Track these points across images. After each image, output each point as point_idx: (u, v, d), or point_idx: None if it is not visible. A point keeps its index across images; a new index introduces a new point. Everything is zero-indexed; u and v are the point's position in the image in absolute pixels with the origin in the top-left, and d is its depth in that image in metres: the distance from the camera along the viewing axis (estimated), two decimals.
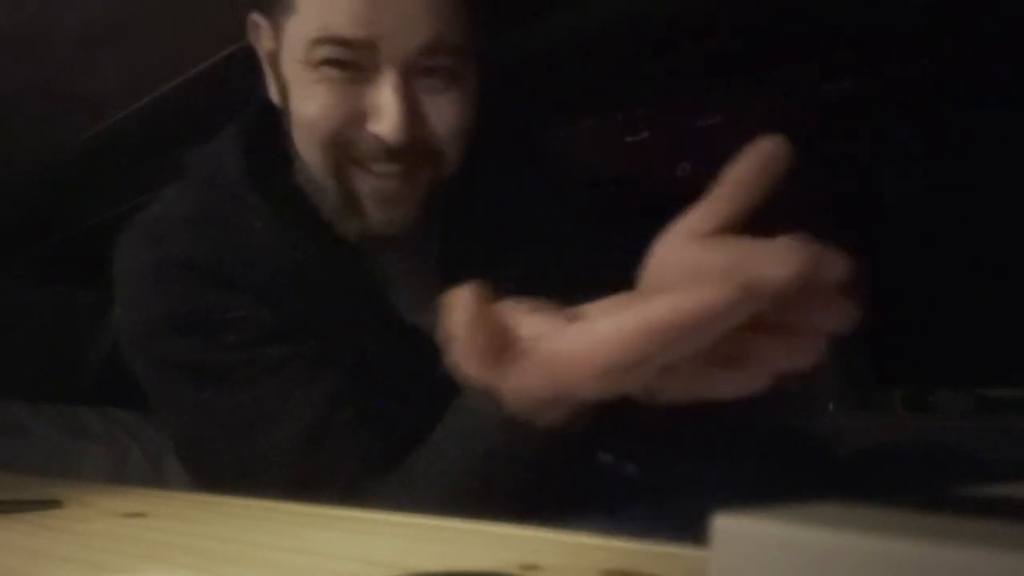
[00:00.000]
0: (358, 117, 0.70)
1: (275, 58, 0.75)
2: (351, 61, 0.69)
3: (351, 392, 0.72)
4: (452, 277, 0.69)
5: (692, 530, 0.28)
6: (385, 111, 0.69)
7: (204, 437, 0.75)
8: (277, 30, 0.74)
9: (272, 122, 0.79)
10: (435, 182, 0.74)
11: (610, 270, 0.59)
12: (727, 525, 0.21)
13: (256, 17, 0.77)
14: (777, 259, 0.44)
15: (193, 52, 1.23)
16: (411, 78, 0.70)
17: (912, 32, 1.29)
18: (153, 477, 1.82)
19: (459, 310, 0.48)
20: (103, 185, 1.76)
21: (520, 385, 0.50)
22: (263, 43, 0.77)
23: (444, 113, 0.72)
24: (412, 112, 0.70)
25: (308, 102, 0.71)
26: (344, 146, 0.72)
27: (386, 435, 0.70)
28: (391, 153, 0.70)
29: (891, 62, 1.37)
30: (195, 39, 1.19)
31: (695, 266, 0.46)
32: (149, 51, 1.22)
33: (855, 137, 1.51)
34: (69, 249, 2.06)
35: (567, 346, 0.45)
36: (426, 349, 0.71)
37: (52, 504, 0.62)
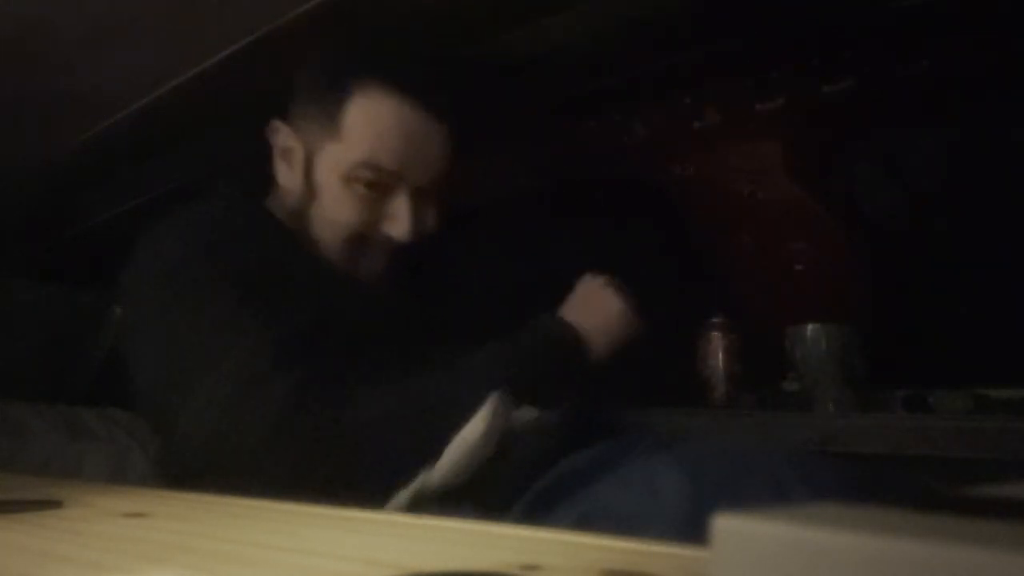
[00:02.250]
0: (376, 221, 1.00)
1: (309, 163, 1.01)
2: (380, 183, 0.98)
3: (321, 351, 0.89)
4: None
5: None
6: (400, 219, 0.99)
7: (203, 387, 0.86)
8: (312, 143, 1.01)
9: (267, 194, 1.08)
10: (407, 256, 1.04)
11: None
12: (727, 525, 0.21)
13: (281, 126, 1.05)
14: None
15: (193, 52, 1.23)
16: (415, 196, 1.00)
17: (912, 32, 1.29)
18: (153, 478, 1.82)
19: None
20: (103, 185, 1.76)
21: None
22: (282, 141, 1.05)
23: (428, 220, 1.03)
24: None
25: (341, 208, 0.99)
26: (359, 237, 1.00)
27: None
28: (393, 244, 1.00)
29: (891, 62, 1.37)
30: (196, 39, 1.19)
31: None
32: (150, 50, 1.22)
33: (855, 137, 1.51)
34: (69, 249, 2.06)
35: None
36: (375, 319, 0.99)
37: (52, 504, 0.62)
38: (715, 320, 1.60)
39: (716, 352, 1.60)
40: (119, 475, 1.75)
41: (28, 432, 1.79)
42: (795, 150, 1.54)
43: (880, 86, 1.42)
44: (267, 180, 1.09)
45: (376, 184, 0.98)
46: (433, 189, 1.02)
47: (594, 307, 1.03)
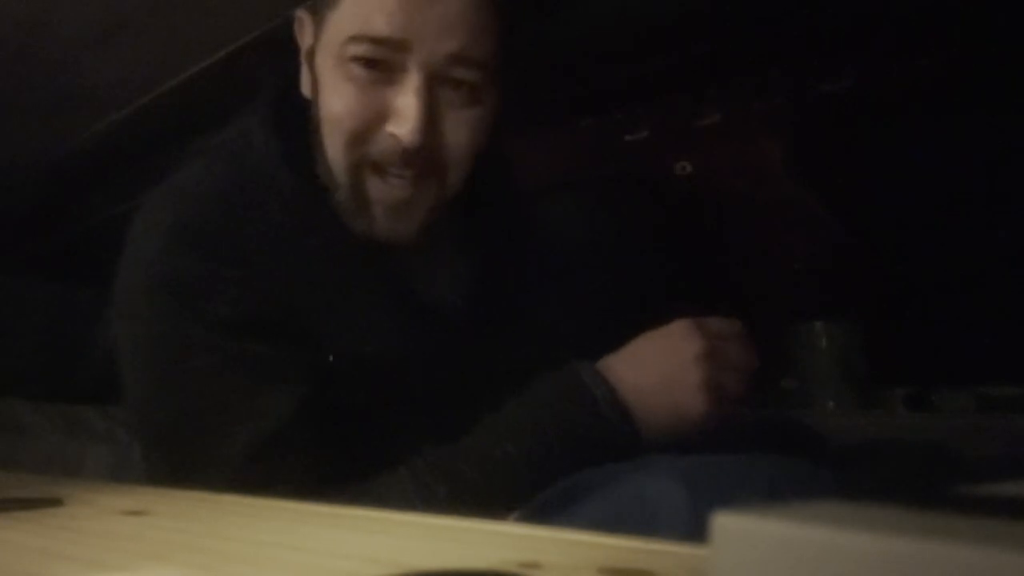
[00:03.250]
0: (380, 117, 0.72)
1: (311, 53, 0.77)
2: (381, 60, 0.71)
3: (318, 403, 0.72)
4: (451, 292, 0.81)
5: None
6: (406, 113, 0.71)
7: (163, 421, 0.74)
8: (318, 25, 0.76)
9: (297, 110, 0.80)
10: (440, 197, 0.77)
11: (596, 304, 0.72)
12: (727, 523, 0.21)
13: (302, 13, 0.79)
14: None
15: (194, 50, 1.23)
16: (435, 86, 0.72)
17: (912, 32, 1.29)
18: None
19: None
20: (103, 184, 1.76)
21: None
22: (304, 38, 0.79)
23: (460, 129, 0.74)
24: (431, 119, 0.72)
25: (336, 98, 0.73)
26: (364, 144, 0.74)
27: (347, 450, 0.71)
28: (405, 155, 0.72)
29: (891, 62, 1.37)
30: (196, 37, 1.19)
31: None
32: (150, 49, 1.22)
33: (854, 137, 1.51)
34: (70, 247, 2.06)
35: None
36: (421, 353, 0.77)
37: (53, 502, 0.62)
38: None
39: None
40: (120, 473, 1.75)
41: (28, 430, 1.79)
42: (795, 150, 1.54)
43: (880, 86, 1.41)
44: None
45: (377, 63, 0.71)
46: (464, 76, 0.72)
47: (663, 370, 0.72)
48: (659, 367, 0.72)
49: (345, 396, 0.74)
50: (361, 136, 0.73)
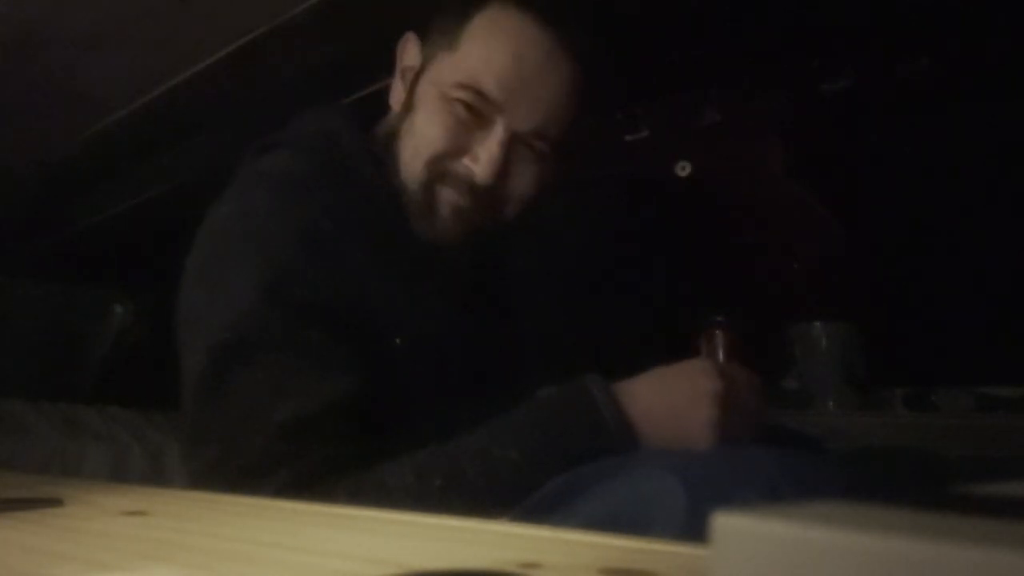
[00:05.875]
0: (463, 150, 0.85)
1: (416, 77, 0.89)
2: (478, 109, 0.84)
3: (364, 395, 0.77)
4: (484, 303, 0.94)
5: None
6: (485, 157, 0.84)
7: (215, 387, 0.78)
8: (428, 56, 0.89)
9: (372, 115, 0.94)
10: (491, 221, 0.89)
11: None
12: (727, 524, 0.21)
13: (412, 36, 0.92)
14: None
15: (193, 52, 1.23)
16: (513, 142, 0.85)
17: (911, 32, 1.29)
18: (153, 475, 1.82)
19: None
20: (103, 184, 1.76)
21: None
22: (407, 58, 0.92)
23: (522, 181, 0.87)
24: (503, 168, 0.85)
25: (432, 124, 0.86)
26: (442, 165, 0.86)
27: (376, 446, 0.75)
28: (473, 189, 0.85)
29: (891, 62, 1.37)
30: (195, 39, 1.19)
31: None
32: (150, 50, 1.22)
33: (854, 137, 1.51)
34: (69, 248, 2.06)
35: None
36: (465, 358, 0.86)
37: (53, 502, 0.62)
38: (716, 319, 1.60)
39: (717, 351, 1.60)
40: (119, 473, 1.75)
41: (29, 431, 1.79)
42: (795, 150, 1.54)
43: (880, 86, 1.42)
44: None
45: (474, 109, 0.84)
46: (537, 145, 0.86)
47: (676, 401, 0.75)
48: (672, 398, 0.76)
49: (396, 384, 0.80)
50: (443, 159, 0.85)
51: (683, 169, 1.64)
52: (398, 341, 0.82)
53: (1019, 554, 0.16)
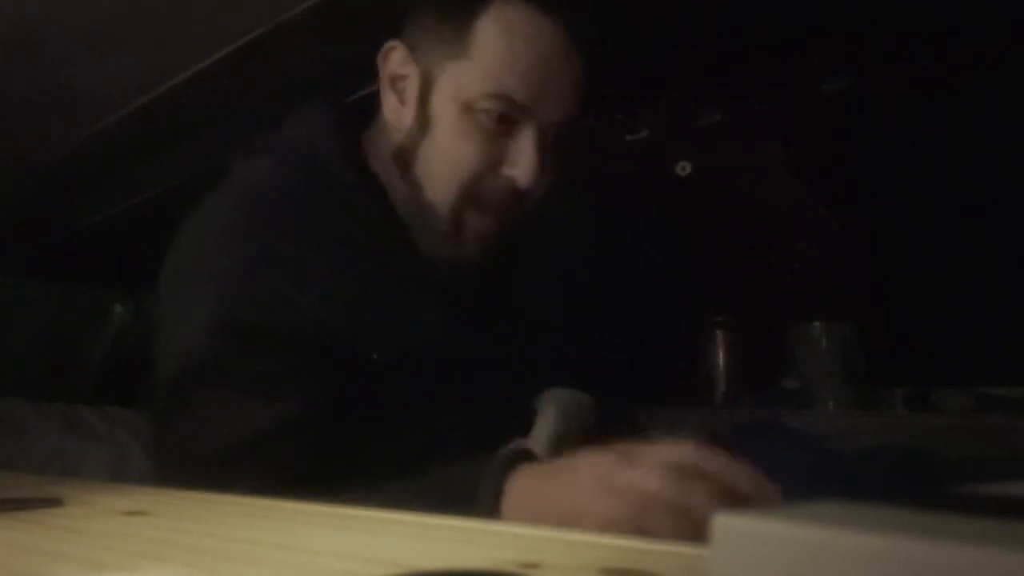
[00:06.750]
0: (498, 161, 0.83)
1: (424, 90, 0.84)
2: (507, 116, 0.81)
3: (313, 419, 0.77)
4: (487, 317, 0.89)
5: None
6: (523, 160, 0.81)
7: (168, 408, 0.80)
8: (431, 66, 0.84)
9: (355, 121, 0.91)
10: (510, 226, 0.87)
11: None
12: (727, 524, 0.21)
13: (398, 45, 0.87)
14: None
15: (192, 51, 1.23)
16: (542, 136, 0.83)
17: (911, 32, 1.29)
18: (153, 475, 1.82)
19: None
20: (103, 184, 1.76)
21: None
22: (394, 67, 0.87)
23: (548, 174, 0.84)
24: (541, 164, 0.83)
25: (464, 142, 0.82)
26: (479, 183, 0.83)
27: (347, 463, 0.74)
28: (518, 194, 0.83)
29: (891, 62, 1.37)
30: (195, 39, 1.19)
31: None
32: (150, 50, 1.22)
33: (854, 137, 1.51)
34: (69, 248, 2.06)
35: None
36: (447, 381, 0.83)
37: (53, 503, 0.62)
38: (717, 319, 1.60)
39: (718, 350, 1.60)
40: (119, 473, 1.75)
41: (28, 430, 1.79)
42: (795, 150, 1.54)
43: (880, 86, 1.41)
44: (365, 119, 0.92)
45: (504, 117, 0.81)
46: (557, 136, 0.84)
47: (571, 502, 0.61)
48: (568, 500, 0.62)
49: (379, 398, 0.79)
50: (480, 175, 0.83)
51: (683, 169, 1.64)
52: (375, 356, 0.80)
53: (1019, 554, 0.16)
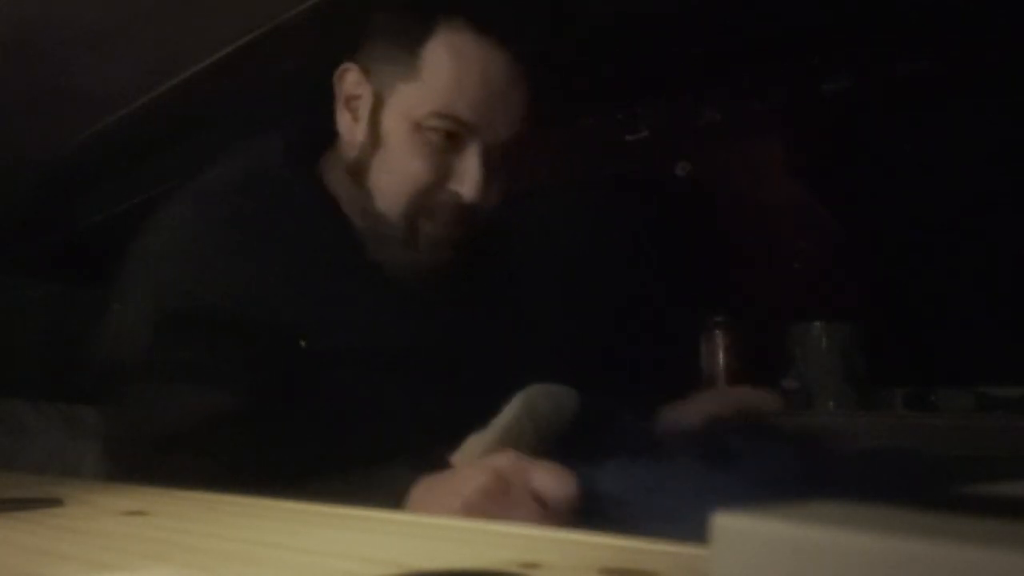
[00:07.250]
0: (445, 177, 0.87)
1: (375, 109, 0.89)
2: (454, 134, 0.86)
3: (244, 413, 0.79)
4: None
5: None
6: (468, 176, 0.86)
7: (113, 399, 0.84)
8: (383, 86, 0.89)
9: (315, 134, 0.95)
10: (464, 235, 0.90)
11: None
12: (727, 524, 0.21)
13: (352, 66, 0.91)
14: None
15: (193, 52, 1.23)
16: (487, 154, 0.87)
17: (910, 32, 1.29)
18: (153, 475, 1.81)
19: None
20: (103, 184, 1.76)
21: None
22: (349, 88, 0.92)
23: (495, 189, 0.89)
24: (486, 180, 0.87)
25: (411, 158, 0.87)
26: (427, 196, 0.87)
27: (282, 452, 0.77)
28: (461, 209, 0.87)
29: (891, 62, 1.37)
30: (195, 39, 1.19)
31: None
32: (150, 50, 1.22)
33: (854, 136, 1.51)
34: (69, 247, 2.06)
35: None
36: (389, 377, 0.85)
37: (53, 502, 0.62)
38: (717, 319, 1.60)
39: (717, 350, 1.60)
40: (119, 473, 1.75)
41: (28, 430, 1.79)
42: (795, 150, 1.54)
43: (880, 86, 1.42)
44: (326, 135, 0.96)
45: (451, 135, 0.86)
46: (502, 153, 0.89)
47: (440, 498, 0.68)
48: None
49: (311, 391, 0.81)
50: (428, 189, 0.87)
51: (683, 169, 1.64)
52: (303, 344, 0.83)
53: (1019, 554, 0.16)
